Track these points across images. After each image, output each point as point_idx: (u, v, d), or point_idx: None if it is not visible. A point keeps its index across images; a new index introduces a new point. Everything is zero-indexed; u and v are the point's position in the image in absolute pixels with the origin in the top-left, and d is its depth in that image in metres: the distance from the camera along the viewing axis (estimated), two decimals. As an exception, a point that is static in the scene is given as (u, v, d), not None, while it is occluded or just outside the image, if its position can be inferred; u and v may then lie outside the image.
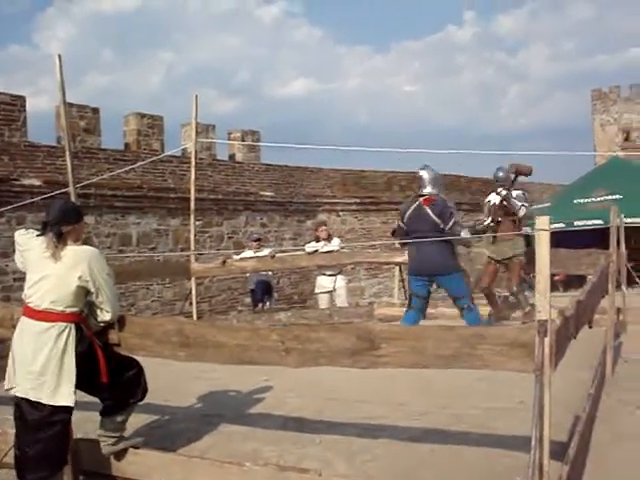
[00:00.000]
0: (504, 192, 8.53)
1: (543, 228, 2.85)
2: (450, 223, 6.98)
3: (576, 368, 4.85)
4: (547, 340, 2.85)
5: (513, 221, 8.60)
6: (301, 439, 4.48)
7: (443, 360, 3.16)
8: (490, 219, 8.73)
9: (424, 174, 7.32)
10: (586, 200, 17.04)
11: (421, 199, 7.15)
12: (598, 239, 12.20)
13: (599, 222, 15.65)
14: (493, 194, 8.85)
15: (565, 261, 7.61)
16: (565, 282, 14.83)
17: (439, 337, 3.16)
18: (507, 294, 8.93)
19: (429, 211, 7.02)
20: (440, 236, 6.89)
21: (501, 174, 8.77)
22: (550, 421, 2.92)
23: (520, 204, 8.51)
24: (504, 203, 8.55)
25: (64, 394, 3.58)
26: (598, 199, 16.82)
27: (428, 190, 7.19)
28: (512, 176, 8.66)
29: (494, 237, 8.44)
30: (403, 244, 7.63)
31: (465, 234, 7.27)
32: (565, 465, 3.26)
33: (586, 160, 23.02)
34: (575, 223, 15.85)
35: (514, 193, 8.61)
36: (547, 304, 2.84)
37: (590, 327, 6.10)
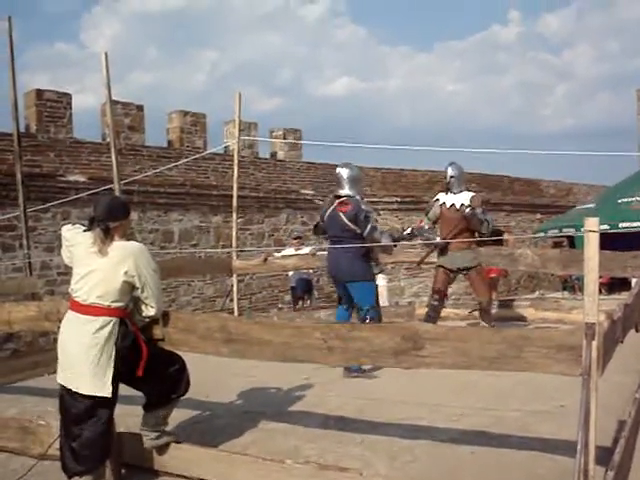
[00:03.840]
0: (468, 210, 7.54)
1: (592, 229, 2.80)
2: (367, 229, 6.46)
3: (621, 372, 4.77)
4: (594, 343, 2.80)
5: (472, 231, 7.72)
6: (342, 438, 4.47)
7: (487, 362, 3.13)
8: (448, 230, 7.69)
9: (343, 172, 6.71)
10: (630, 199, 16.69)
11: (336, 202, 6.65)
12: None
13: (645, 224, 15.40)
14: (442, 194, 7.94)
15: (610, 263, 7.37)
16: (608, 285, 14.60)
17: (484, 339, 3.13)
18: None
19: (342, 216, 6.51)
20: (356, 241, 6.42)
21: (454, 171, 7.83)
22: (596, 426, 2.87)
23: (485, 218, 7.60)
24: (464, 214, 7.58)
25: (102, 385, 3.62)
26: (642, 198, 16.48)
27: (345, 191, 6.64)
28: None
29: (447, 247, 7.62)
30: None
31: (385, 239, 6.62)
32: (610, 471, 3.21)
33: (630, 162, 22.60)
34: (620, 225, 15.53)
35: (464, 195, 7.70)
36: (595, 307, 2.79)
37: (637, 331, 5.98)
